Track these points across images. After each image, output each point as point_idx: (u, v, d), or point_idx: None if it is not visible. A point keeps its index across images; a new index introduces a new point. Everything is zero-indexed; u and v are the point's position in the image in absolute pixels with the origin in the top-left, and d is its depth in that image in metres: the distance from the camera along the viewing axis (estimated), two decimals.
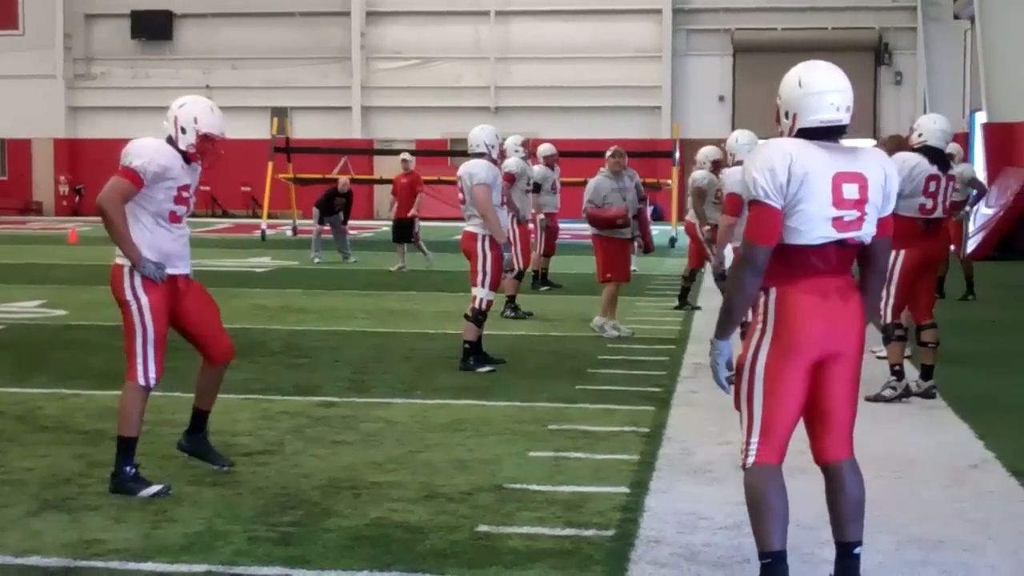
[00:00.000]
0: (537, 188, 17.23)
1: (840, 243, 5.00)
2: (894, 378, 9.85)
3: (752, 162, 4.97)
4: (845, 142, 5.10)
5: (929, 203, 9.67)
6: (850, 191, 4.97)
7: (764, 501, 4.97)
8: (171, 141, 7.04)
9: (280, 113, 38.94)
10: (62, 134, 44.13)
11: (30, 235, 32.56)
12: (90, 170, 42.75)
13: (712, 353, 5.12)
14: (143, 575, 5.55)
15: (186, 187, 7.05)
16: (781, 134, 5.14)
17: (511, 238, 13.15)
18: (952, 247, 17.61)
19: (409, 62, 42.72)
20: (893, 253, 9.55)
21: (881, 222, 5.11)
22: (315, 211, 24.03)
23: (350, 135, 41.81)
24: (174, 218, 7.03)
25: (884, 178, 5.08)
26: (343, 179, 25.42)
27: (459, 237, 11.57)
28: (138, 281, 6.91)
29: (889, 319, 9.81)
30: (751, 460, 5.00)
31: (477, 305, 11.28)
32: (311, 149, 35.18)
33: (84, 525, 6.30)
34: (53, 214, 43.10)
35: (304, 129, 40.03)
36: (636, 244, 13.72)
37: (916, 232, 9.63)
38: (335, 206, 24.08)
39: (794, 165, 4.89)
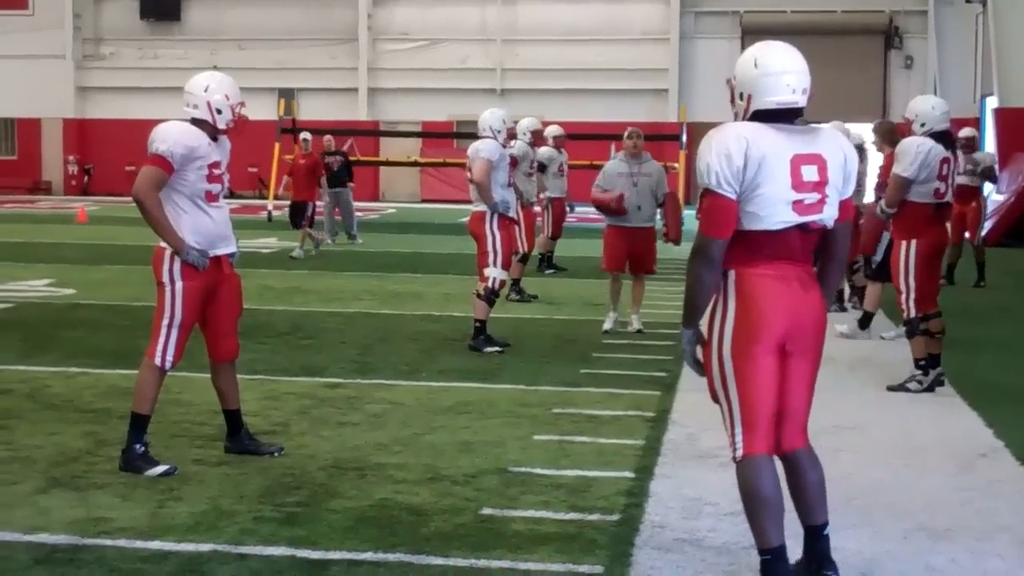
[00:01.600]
0: (542, 168, 17.20)
1: (802, 228, 4.90)
2: (920, 372, 9.79)
3: (706, 148, 4.84)
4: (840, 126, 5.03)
5: (942, 187, 9.59)
6: (809, 173, 4.87)
7: (758, 497, 4.91)
8: (196, 122, 7.06)
9: (287, 94, 38.92)
10: (71, 114, 44.11)
11: (39, 214, 32.58)
12: (99, 150, 42.82)
13: (681, 343, 5.13)
14: (149, 553, 5.58)
15: (216, 164, 7.06)
16: (735, 116, 5.03)
17: (517, 220, 13.13)
18: (967, 234, 17.61)
19: (416, 43, 42.64)
20: (904, 244, 9.53)
21: (841, 205, 5.01)
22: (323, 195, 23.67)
23: (356, 116, 41.74)
24: (210, 197, 7.05)
25: (843, 159, 4.99)
26: (327, 137, 24.69)
27: (465, 220, 11.60)
28: (177, 266, 6.94)
29: (912, 313, 9.62)
30: (739, 453, 4.95)
31: (490, 285, 11.34)
32: (318, 130, 35.12)
33: (91, 503, 6.34)
34: (62, 194, 43.10)
35: (311, 110, 39.95)
36: (662, 234, 12.77)
37: (927, 219, 9.55)
38: (332, 166, 23.21)
39: (750, 148, 4.78)
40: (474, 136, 11.77)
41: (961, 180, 16.93)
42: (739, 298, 4.90)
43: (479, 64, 42.10)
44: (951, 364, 10.22)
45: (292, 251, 20.88)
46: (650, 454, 7.58)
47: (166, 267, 6.97)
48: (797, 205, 4.86)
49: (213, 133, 7.07)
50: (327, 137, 24.83)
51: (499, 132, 11.52)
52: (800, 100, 4.92)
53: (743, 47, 39.83)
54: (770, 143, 4.82)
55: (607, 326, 12.68)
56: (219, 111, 7.08)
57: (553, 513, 6.28)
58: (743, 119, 4.97)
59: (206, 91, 7.10)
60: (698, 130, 32.85)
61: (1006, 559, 5.77)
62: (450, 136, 38.58)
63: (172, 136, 6.94)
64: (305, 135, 22.51)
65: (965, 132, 17.87)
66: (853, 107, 35.51)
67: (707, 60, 40.89)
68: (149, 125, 7.18)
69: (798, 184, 4.85)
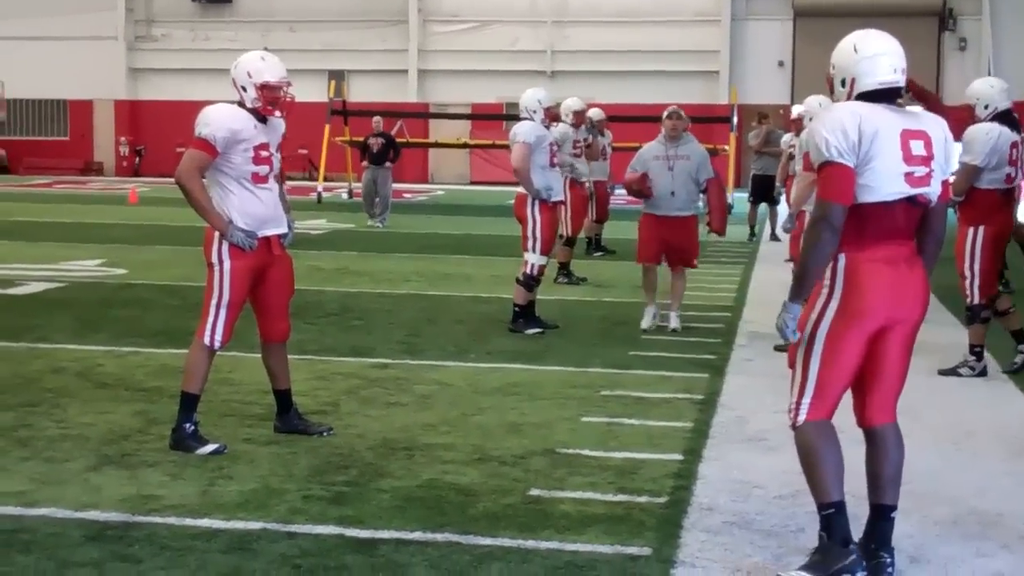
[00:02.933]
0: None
1: (910, 200, 5.01)
2: (973, 358, 9.70)
3: (821, 124, 4.99)
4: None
5: (1013, 171, 9.43)
6: (917, 147, 5.01)
7: (819, 453, 5.02)
8: (242, 103, 7.08)
9: (337, 76, 38.94)
10: (123, 95, 44.37)
11: (91, 195, 32.82)
12: (150, 131, 43.06)
13: (784, 314, 5.04)
14: (199, 531, 5.61)
15: (264, 146, 7.06)
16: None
17: (564, 202, 12.96)
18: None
19: (466, 25, 42.61)
20: (972, 230, 9.40)
21: (943, 184, 5.14)
22: (365, 171, 23.91)
23: (406, 99, 41.75)
24: (257, 179, 7.06)
25: (944, 138, 5.13)
26: (375, 119, 25.03)
27: (512, 202, 11.57)
28: (226, 246, 6.98)
29: (976, 299, 9.51)
30: (803, 417, 5.05)
31: (528, 270, 11.30)
32: (368, 112, 35.22)
33: (142, 481, 6.38)
34: (113, 175, 43.39)
35: (361, 92, 40.02)
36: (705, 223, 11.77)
37: (996, 205, 9.38)
38: (372, 147, 23.71)
39: (863, 123, 4.92)
40: (521, 118, 11.64)
41: None
42: (847, 286, 5.00)
43: (529, 46, 42.01)
44: (1002, 350, 10.11)
45: None
46: (699, 437, 7.56)
47: (215, 247, 7.00)
48: (908, 177, 5.00)
49: (260, 114, 7.08)
50: (376, 119, 25.00)
51: (535, 112, 11.40)
52: (900, 80, 5.10)
53: (795, 28, 40.14)
54: (881, 118, 4.97)
55: (645, 324, 11.59)
56: (244, 89, 7.07)
57: (601, 495, 6.27)
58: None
59: (235, 68, 7.12)
60: (748, 112, 32.83)
61: None
62: (499, 118, 38.46)
63: (215, 119, 6.96)
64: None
65: None
66: None
67: (758, 42, 40.67)
68: (200, 107, 7.20)
69: (908, 157, 5.00)
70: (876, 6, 37.07)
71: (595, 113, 18.03)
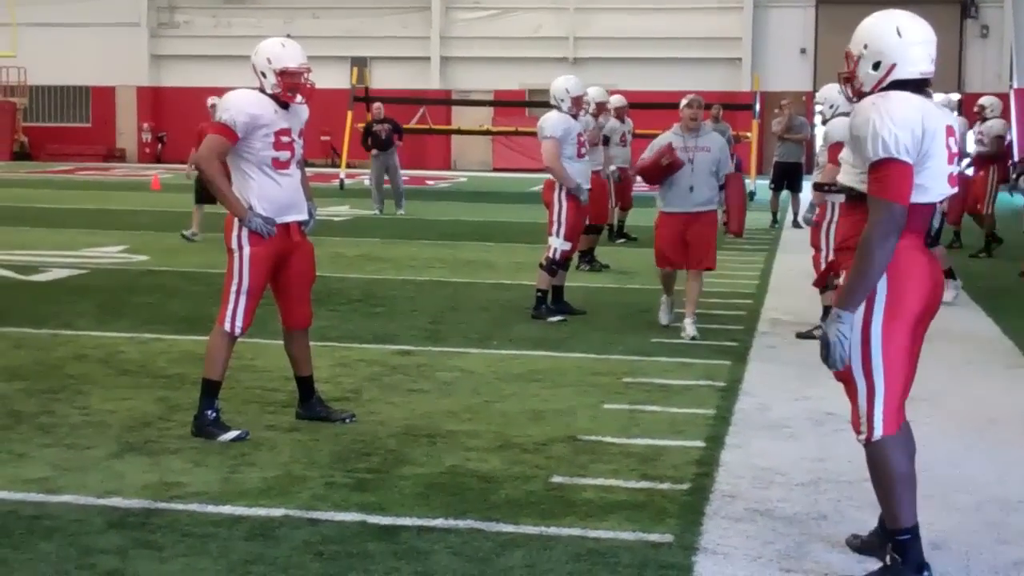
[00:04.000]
0: (605, 141, 17.08)
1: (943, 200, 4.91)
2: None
3: (882, 117, 4.66)
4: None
5: None
6: (952, 145, 4.84)
7: (899, 474, 4.84)
8: (262, 89, 7.08)
9: (360, 63, 38.98)
10: (145, 82, 44.47)
11: (114, 181, 32.91)
12: (173, 118, 43.08)
13: (837, 326, 4.69)
14: (222, 518, 5.62)
15: (285, 131, 7.06)
16: (857, 87, 4.88)
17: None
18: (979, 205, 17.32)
19: (488, 12, 42.54)
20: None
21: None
22: (372, 161, 23.79)
23: (428, 85, 41.75)
24: (278, 164, 7.06)
25: (957, 132, 4.96)
26: (376, 105, 24.78)
27: (538, 188, 11.53)
28: (245, 232, 6.98)
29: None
30: (879, 433, 4.81)
31: (552, 255, 11.28)
32: (390, 99, 35.20)
33: (164, 468, 6.40)
34: (136, 161, 43.49)
35: (383, 79, 40.03)
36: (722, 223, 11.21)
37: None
38: (380, 134, 23.47)
39: (926, 120, 4.70)
40: (546, 105, 11.58)
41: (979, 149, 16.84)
42: (892, 280, 4.73)
43: (551, 33, 41.93)
44: (1022, 337, 10.09)
45: (187, 229, 17.91)
46: (721, 424, 7.54)
47: (235, 233, 7.01)
48: (950, 177, 4.85)
49: (276, 98, 7.07)
50: (376, 105, 24.87)
51: (563, 101, 11.32)
52: (932, 70, 4.87)
53: (817, 16, 39.94)
54: (934, 114, 4.76)
55: (663, 320, 11.07)
56: (263, 75, 7.08)
57: (623, 482, 6.26)
58: (874, 89, 4.82)
59: (255, 55, 7.12)
60: (771, 99, 32.68)
61: None
62: (522, 105, 38.48)
63: (235, 104, 6.97)
64: (214, 99, 16.92)
65: (984, 101, 17.68)
66: None
67: (780, 29, 40.54)
68: (222, 93, 7.21)
69: (950, 156, 4.83)
70: None
71: (616, 100, 17.98)
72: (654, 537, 5.45)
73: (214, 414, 7.05)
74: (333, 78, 35.16)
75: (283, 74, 7.05)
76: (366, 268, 15.05)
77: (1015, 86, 34.48)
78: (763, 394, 8.39)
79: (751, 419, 7.71)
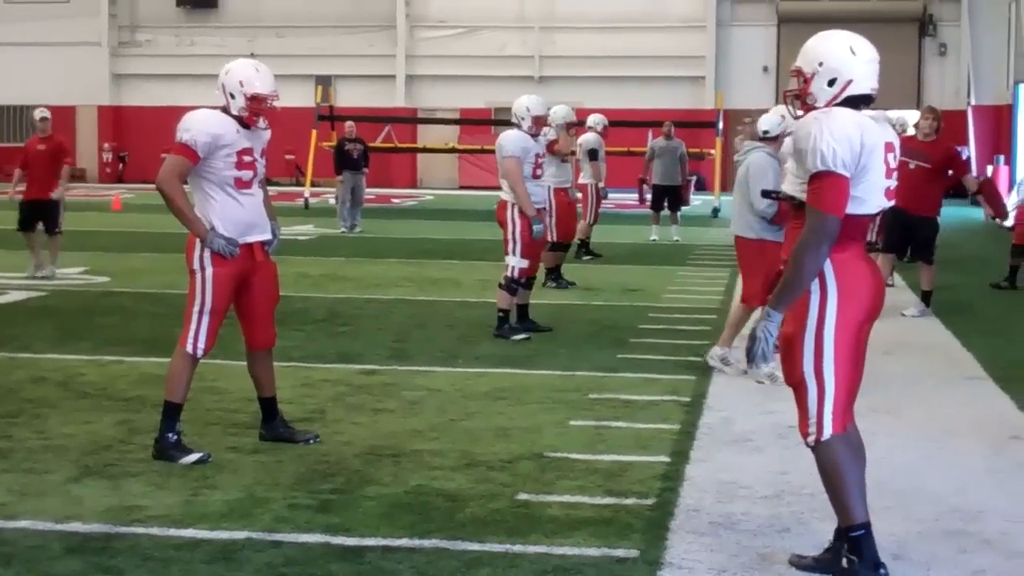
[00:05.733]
0: (594, 155, 17.12)
1: (879, 212, 5.03)
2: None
3: (821, 131, 4.80)
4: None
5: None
6: (891, 160, 4.99)
7: (847, 472, 4.95)
8: (225, 109, 7.04)
9: (324, 81, 38.97)
10: (106, 101, 44.27)
11: (74, 202, 32.48)
12: (134, 138, 42.97)
13: (766, 323, 4.87)
14: (183, 541, 5.56)
15: (248, 151, 7.02)
16: (808, 104, 4.98)
17: (547, 209, 12.73)
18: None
19: (454, 31, 42.62)
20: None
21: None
22: (338, 180, 23.74)
23: (394, 103, 41.76)
24: (241, 184, 7.02)
25: (895, 149, 5.07)
26: (348, 123, 25.08)
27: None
28: (207, 253, 6.93)
29: None
30: (828, 432, 4.92)
31: (509, 273, 11.25)
32: (355, 117, 35.23)
33: (125, 491, 6.33)
34: (97, 181, 43.22)
35: (348, 97, 39.99)
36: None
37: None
38: (352, 153, 23.65)
39: (864, 135, 4.84)
40: (511, 124, 11.56)
41: None
42: (842, 284, 4.89)
43: (517, 51, 42.05)
44: (983, 348, 10.17)
45: (43, 271, 15.72)
46: (685, 438, 7.53)
47: (196, 254, 6.96)
48: (887, 191, 4.99)
49: (239, 118, 7.03)
50: (348, 124, 24.99)
51: (523, 120, 11.29)
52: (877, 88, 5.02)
53: (779, 35, 40.17)
54: (873, 130, 4.90)
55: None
56: (232, 96, 7.03)
57: (589, 498, 6.25)
58: (828, 104, 4.94)
59: (226, 74, 7.08)
60: (734, 117, 32.85)
61: None
62: (487, 123, 38.50)
63: (196, 124, 6.93)
64: (42, 111, 16.45)
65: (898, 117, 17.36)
66: (887, 94, 35.15)
67: (743, 48, 40.85)
68: (185, 113, 7.16)
69: (888, 171, 4.98)
70: (858, 12, 37.30)
71: (598, 119, 18.01)
72: (619, 553, 5.43)
73: (175, 437, 6.98)
74: (298, 96, 35.15)
75: (253, 99, 7.02)
76: (330, 287, 15.00)
77: (973, 103, 34.83)
78: (727, 408, 8.40)
79: (716, 433, 7.71)
